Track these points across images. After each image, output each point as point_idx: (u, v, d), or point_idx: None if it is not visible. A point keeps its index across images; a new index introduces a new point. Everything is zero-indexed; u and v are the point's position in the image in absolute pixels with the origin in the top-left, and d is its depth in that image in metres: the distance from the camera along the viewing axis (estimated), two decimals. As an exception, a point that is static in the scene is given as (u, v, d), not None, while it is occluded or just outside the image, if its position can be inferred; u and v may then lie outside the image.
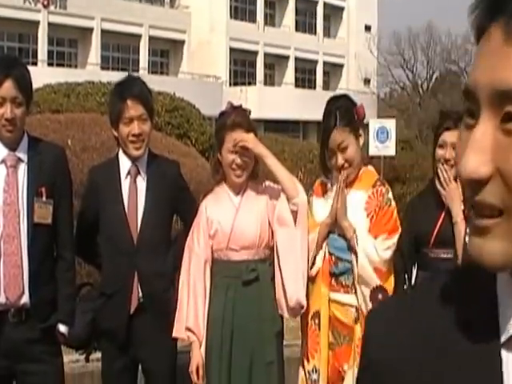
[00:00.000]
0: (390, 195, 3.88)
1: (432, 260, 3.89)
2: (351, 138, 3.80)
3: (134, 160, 3.78)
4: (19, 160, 3.45)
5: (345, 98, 3.99)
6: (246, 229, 3.72)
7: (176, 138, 10.88)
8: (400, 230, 3.82)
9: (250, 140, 3.66)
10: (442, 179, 3.88)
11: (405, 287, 3.98)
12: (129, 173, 3.80)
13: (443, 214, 3.89)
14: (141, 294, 3.73)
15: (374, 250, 3.73)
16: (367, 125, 9.77)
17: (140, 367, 3.94)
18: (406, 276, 3.99)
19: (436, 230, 3.89)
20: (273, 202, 3.75)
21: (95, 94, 12.34)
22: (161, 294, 3.76)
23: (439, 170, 3.90)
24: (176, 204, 3.87)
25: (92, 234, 3.90)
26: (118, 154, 3.86)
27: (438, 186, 3.91)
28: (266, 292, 3.74)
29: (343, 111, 3.84)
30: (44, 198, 3.45)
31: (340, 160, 3.79)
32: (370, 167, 4.02)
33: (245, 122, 3.73)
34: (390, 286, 3.81)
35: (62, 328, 3.54)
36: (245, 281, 3.70)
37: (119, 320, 3.72)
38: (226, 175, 3.78)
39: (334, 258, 3.84)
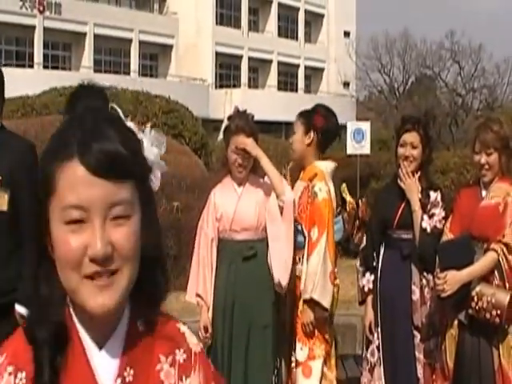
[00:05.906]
0: (317, 188, 4.22)
1: (395, 239, 4.35)
2: (299, 130, 4.39)
3: None
4: None
5: (322, 106, 4.53)
6: (245, 214, 4.21)
7: (172, 138, 11.41)
8: (327, 219, 4.20)
9: (248, 144, 4.18)
10: (401, 175, 4.30)
11: (374, 263, 4.44)
12: None
13: (404, 203, 4.32)
14: None
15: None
16: (344, 127, 10.38)
17: None
18: (375, 253, 4.44)
19: (398, 215, 4.32)
20: (267, 196, 4.24)
21: (98, 97, 12.83)
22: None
23: (400, 167, 4.32)
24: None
25: None
26: None
27: (399, 181, 4.32)
28: (262, 266, 4.18)
29: (307, 111, 4.48)
30: None
31: (290, 142, 4.51)
32: (319, 162, 4.37)
33: (247, 126, 4.22)
34: None
35: (22, 309, 3.25)
36: (245, 257, 4.19)
37: None
38: (231, 170, 4.30)
39: None
